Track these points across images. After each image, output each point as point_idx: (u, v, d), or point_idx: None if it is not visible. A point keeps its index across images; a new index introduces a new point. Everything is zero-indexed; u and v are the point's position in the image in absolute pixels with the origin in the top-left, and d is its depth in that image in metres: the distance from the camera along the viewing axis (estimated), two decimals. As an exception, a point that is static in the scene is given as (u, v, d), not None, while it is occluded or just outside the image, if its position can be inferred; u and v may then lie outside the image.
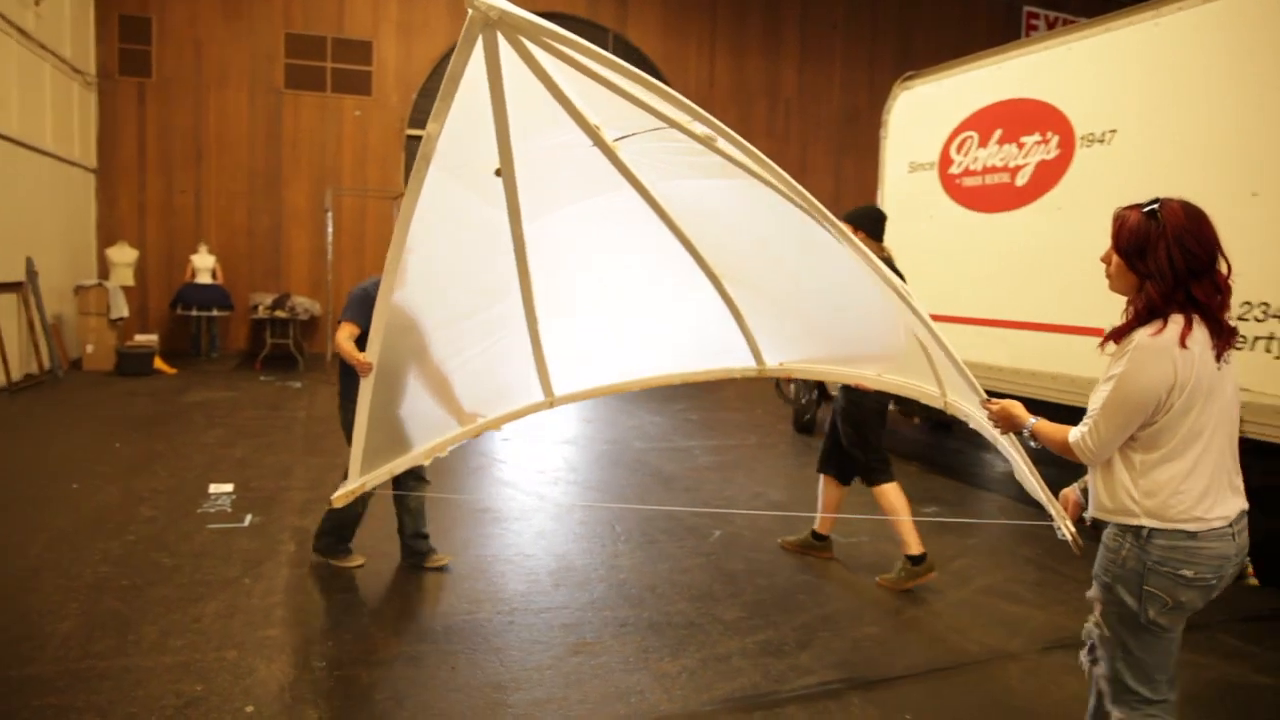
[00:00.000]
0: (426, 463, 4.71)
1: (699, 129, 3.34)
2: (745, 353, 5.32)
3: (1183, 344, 2.42)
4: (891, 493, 5.17)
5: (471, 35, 2.86)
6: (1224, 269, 2.49)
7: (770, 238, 4.46)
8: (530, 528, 6.02)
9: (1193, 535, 2.46)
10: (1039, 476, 3.59)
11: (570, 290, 4.82)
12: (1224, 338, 2.48)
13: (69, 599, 4.48)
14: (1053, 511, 3.33)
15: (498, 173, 3.78)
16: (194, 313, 14.19)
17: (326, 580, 4.92)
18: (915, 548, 5.05)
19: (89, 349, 12.73)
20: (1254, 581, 3.00)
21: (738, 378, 5.53)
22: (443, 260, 4.13)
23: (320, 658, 4.01)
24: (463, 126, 3.32)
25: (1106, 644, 2.63)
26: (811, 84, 18.72)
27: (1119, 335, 2.52)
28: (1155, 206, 2.49)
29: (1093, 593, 2.67)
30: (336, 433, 8.86)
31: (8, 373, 10.79)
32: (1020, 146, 6.76)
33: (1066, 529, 3.20)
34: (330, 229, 14.27)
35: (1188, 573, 2.46)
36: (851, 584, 5.21)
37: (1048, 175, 6.50)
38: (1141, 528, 2.49)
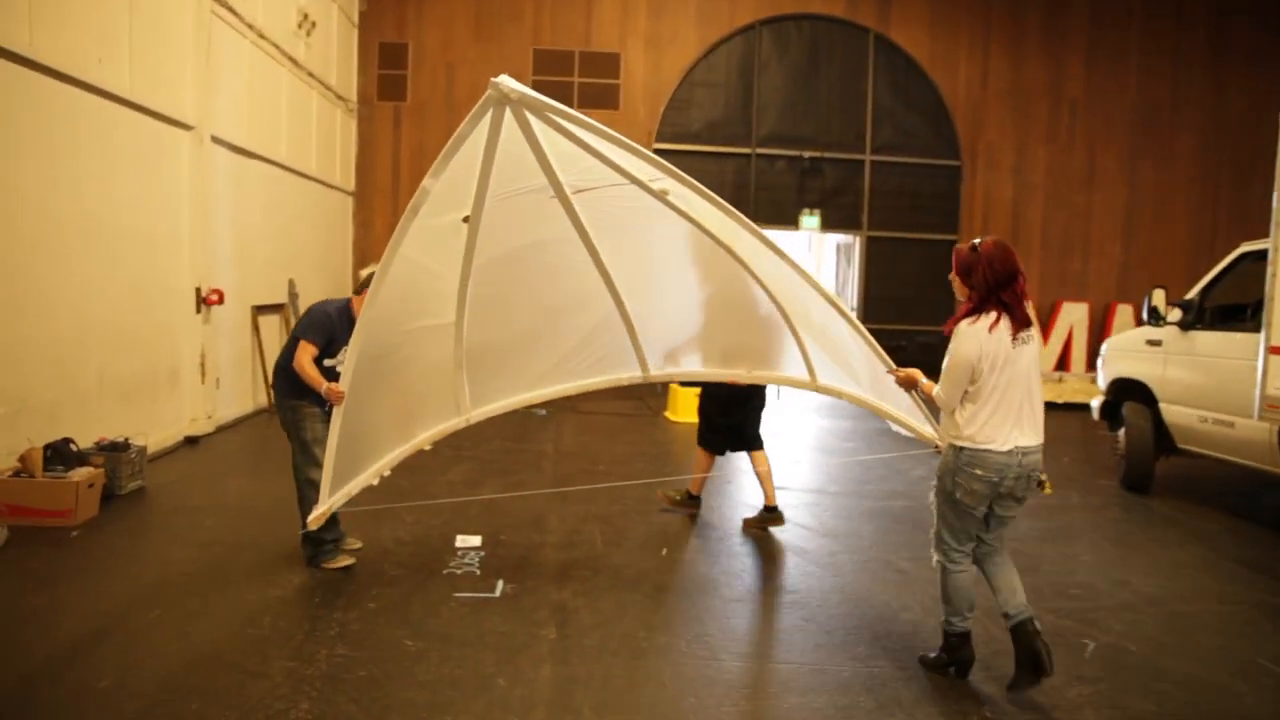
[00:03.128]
0: (375, 482, 5.23)
1: (658, 186, 4.36)
2: (634, 364, 6.03)
3: (990, 330, 3.77)
4: (702, 457, 6.55)
5: (485, 108, 3.67)
6: (1022, 282, 3.81)
7: (681, 266, 5.40)
8: (851, 624, 4.72)
9: (986, 451, 3.80)
10: (928, 414, 4.74)
11: (495, 317, 5.35)
12: (1020, 325, 3.80)
13: (299, 694, 3.67)
14: (930, 430, 4.77)
15: (465, 219, 4.47)
16: (441, 335, 14.05)
17: (596, 689, 3.85)
18: (696, 490, 6.71)
19: (343, 371, 12.75)
20: (1049, 490, 4.12)
21: (625, 384, 6.15)
22: (400, 296, 4.72)
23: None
24: (451, 181, 4.07)
25: (936, 515, 4.06)
26: (1101, 81, 16.32)
27: (954, 323, 3.88)
28: (977, 243, 3.85)
29: (934, 483, 4.05)
30: (587, 473, 8.05)
31: (270, 394, 10.83)
32: None
33: (939, 443, 4.17)
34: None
35: (979, 472, 3.81)
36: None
37: None
38: (959, 445, 3.86)
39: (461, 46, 14.99)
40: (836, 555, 5.84)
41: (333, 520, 5.15)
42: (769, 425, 6.86)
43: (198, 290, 8.84)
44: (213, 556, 5.39)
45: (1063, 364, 16.14)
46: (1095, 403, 8.76)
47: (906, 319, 16.10)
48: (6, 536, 5.49)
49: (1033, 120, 16.20)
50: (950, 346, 3.82)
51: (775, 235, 17.50)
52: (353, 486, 5.02)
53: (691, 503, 6.68)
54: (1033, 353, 3.84)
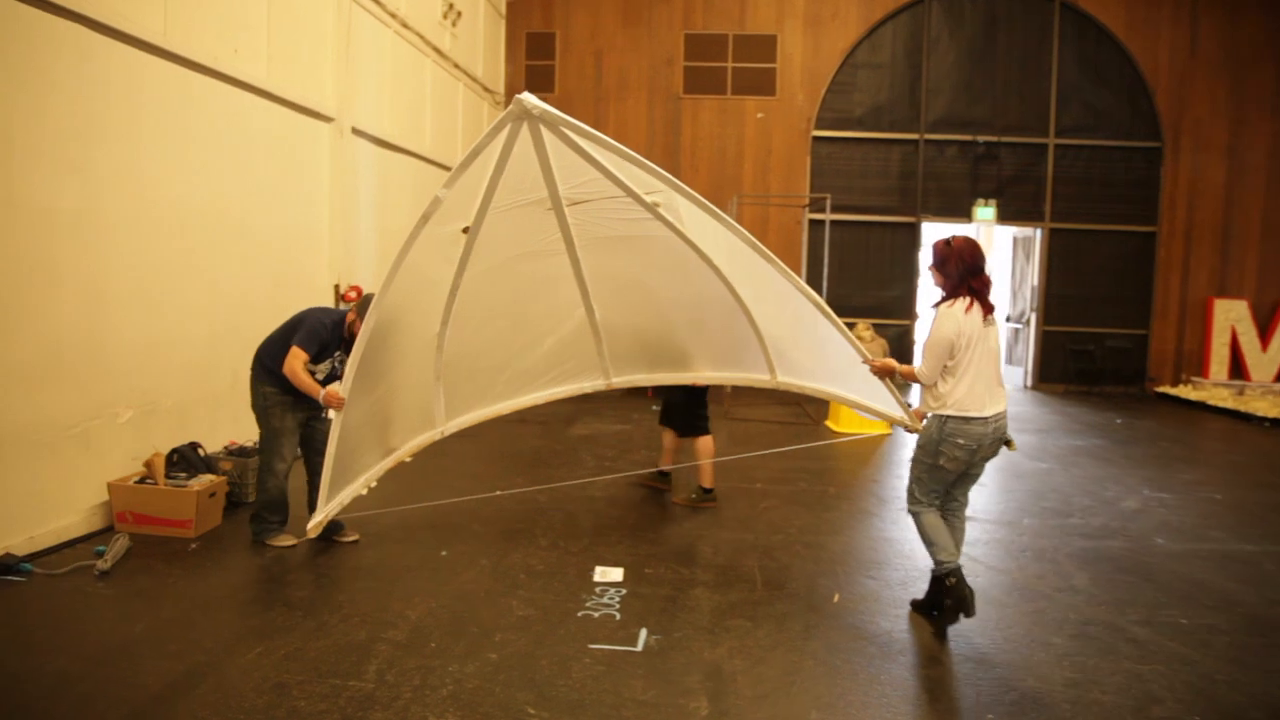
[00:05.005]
0: (364, 492, 5.42)
1: (652, 199, 4.76)
2: (598, 372, 6.40)
3: (966, 312, 4.30)
4: (702, 443, 6.65)
5: (504, 122, 4.05)
6: (987, 276, 4.39)
7: (655, 275, 5.61)
8: (1087, 718, 3.71)
9: (967, 420, 4.31)
10: (899, 397, 5.30)
11: (473, 328, 5.48)
12: (987, 309, 4.35)
13: (399, 777, 3.02)
14: (901, 413, 5.35)
15: (465, 230, 4.73)
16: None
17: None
18: (709, 483, 6.73)
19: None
20: (1014, 448, 4.51)
21: (587, 392, 6.54)
22: (402, 305, 4.91)
23: None
24: (460, 191, 4.44)
25: (912, 475, 4.62)
26: (1341, 41, 14.10)
27: (935, 306, 4.44)
28: (950, 239, 4.44)
29: (914, 449, 4.59)
30: (744, 493, 7.23)
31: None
32: None
33: (914, 424, 5.08)
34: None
35: (960, 440, 4.33)
36: None
37: None
38: (944, 415, 4.35)
39: (609, 34, 14.40)
40: (1046, 613, 4.76)
41: (281, 502, 5.40)
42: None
43: (336, 287, 8.54)
44: (329, 581, 4.88)
45: (1288, 372, 14.08)
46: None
47: (1094, 320, 14.50)
48: (129, 546, 5.17)
49: (1252, 91, 14.17)
50: (933, 326, 4.41)
51: (945, 228, 16.28)
52: (345, 495, 5.19)
53: (663, 480, 7.06)
54: (996, 333, 4.45)
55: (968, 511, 4.92)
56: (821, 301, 4.93)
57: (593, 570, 5.14)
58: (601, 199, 4.80)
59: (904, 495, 7.18)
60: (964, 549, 5.84)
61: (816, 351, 5.59)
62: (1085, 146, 14.33)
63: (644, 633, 4.29)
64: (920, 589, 5.06)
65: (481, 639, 4.16)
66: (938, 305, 4.44)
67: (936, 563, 4.52)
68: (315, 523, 5.03)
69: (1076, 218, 14.41)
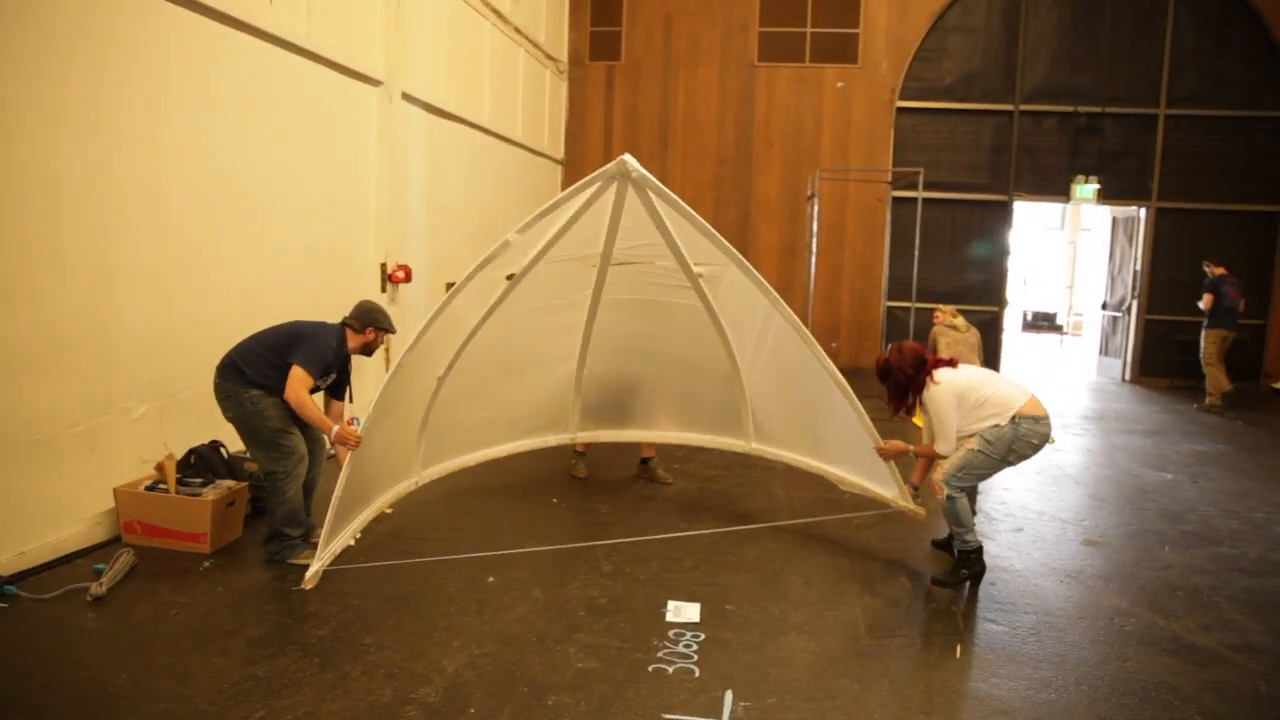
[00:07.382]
0: (351, 543, 4.93)
1: (697, 270, 4.96)
2: (566, 425, 6.43)
3: (936, 381, 4.69)
4: None
5: (596, 179, 4.19)
6: (930, 359, 4.78)
7: (663, 344, 5.86)
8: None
9: (1037, 420, 4.62)
10: (898, 476, 5.35)
11: (467, 375, 5.29)
12: (949, 364, 4.82)
13: None
14: (900, 494, 5.41)
15: (509, 277, 4.76)
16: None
17: None
18: (652, 453, 6.71)
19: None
20: (1053, 441, 4.80)
21: (552, 445, 6.51)
22: (431, 346, 4.76)
23: None
24: (526, 239, 4.39)
25: (965, 465, 4.68)
26: None
27: (910, 409, 4.84)
28: (885, 358, 4.85)
29: (973, 444, 4.68)
30: (830, 505, 6.35)
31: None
32: None
33: (913, 507, 5.38)
34: (815, 222, 11.86)
35: (1033, 440, 4.63)
36: None
37: None
38: (1015, 417, 4.59)
39: (680, -3, 13.46)
40: (1228, 685, 3.80)
41: (298, 515, 4.79)
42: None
43: (383, 266, 7.85)
44: (354, 616, 4.15)
45: None
46: None
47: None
48: (133, 564, 4.53)
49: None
50: (930, 411, 4.74)
51: (1039, 207, 14.98)
52: (336, 545, 4.71)
53: (578, 456, 6.83)
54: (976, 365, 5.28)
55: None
56: (844, 382, 5.08)
57: (665, 606, 4.35)
58: (646, 263, 4.90)
59: (1016, 515, 6.40)
60: (1094, 583, 4.94)
61: (818, 428, 5.73)
62: (1201, 117, 13.00)
63: (729, 698, 3.48)
64: (1059, 635, 4.16)
65: (531, 703, 3.39)
66: (913, 406, 4.81)
67: (963, 541, 4.80)
68: (312, 573, 4.43)
69: (1188, 196, 13.12)
